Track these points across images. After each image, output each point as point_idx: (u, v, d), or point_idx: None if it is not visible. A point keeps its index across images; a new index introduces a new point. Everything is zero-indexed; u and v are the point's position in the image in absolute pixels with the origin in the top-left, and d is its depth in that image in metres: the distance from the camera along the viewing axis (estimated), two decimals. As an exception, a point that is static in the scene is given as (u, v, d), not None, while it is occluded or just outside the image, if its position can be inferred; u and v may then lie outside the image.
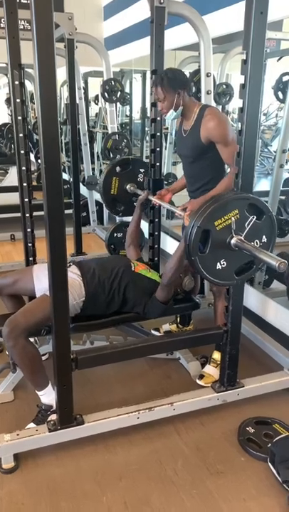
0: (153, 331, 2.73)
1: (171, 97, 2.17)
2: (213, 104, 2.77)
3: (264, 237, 1.74)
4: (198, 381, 2.36)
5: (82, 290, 2.13)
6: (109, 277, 2.19)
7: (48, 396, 2.00)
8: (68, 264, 2.15)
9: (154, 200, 2.58)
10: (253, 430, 2.01)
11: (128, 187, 2.77)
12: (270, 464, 1.82)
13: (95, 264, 2.26)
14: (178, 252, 2.12)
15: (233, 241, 1.65)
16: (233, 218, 1.64)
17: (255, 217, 1.68)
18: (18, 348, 1.89)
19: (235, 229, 1.65)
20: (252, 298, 2.71)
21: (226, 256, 1.70)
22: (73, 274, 2.15)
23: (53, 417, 1.93)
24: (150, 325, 2.56)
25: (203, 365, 2.46)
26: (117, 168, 2.75)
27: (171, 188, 2.63)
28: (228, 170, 2.29)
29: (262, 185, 6.03)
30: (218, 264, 1.69)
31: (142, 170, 2.79)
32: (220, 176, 2.27)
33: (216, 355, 2.38)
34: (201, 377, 2.37)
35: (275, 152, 4.87)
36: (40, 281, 2.18)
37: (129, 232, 2.68)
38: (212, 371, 2.36)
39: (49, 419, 1.94)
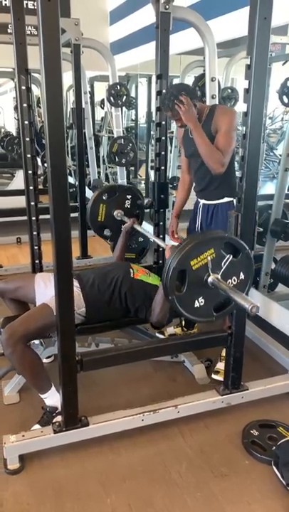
0: (158, 334, 2.74)
1: None
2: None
3: (241, 274, 1.72)
4: (214, 376, 2.43)
5: (81, 301, 2.13)
6: (109, 286, 2.20)
7: (52, 398, 2.02)
8: None
9: (139, 229, 2.69)
10: (257, 433, 2.01)
11: (115, 213, 2.80)
12: (274, 467, 1.82)
13: (93, 274, 2.26)
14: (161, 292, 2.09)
15: (210, 279, 1.64)
16: (209, 257, 1.63)
17: (231, 256, 1.67)
18: (17, 355, 1.91)
19: (211, 268, 1.64)
20: (256, 301, 2.69)
21: (204, 294, 1.68)
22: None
23: (58, 418, 1.94)
24: (155, 328, 2.57)
25: (207, 368, 2.47)
26: (104, 196, 2.78)
27: (175, 215, 2.71)
28: (237, 173, 2.31)
29: (267, 188, 6.03)
30: (196, 302, 1.68)
31: (128, 196, 2.82)
32: (229, 175, 2.29)
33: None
34: (217, 372, 2.42)
35: (280, 156, 4.87)
36: (41, 291, 2.20)
37: (114, 259, 2.70)
38: None
39: (54, 420, 1.95)
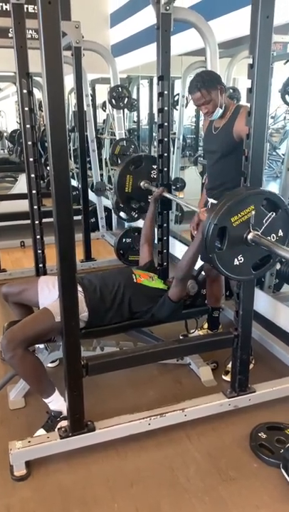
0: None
1: (215, 96, 2.23)
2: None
3: (280, 231, 1.72)
4: (223, 377, 2.40)
5: (83, 305, 2.12)
6: (111, 292, 2.20)
7: (56, 403, 2.00)
8: None
9: (170, 196, 2.65)
10: (265, 436, 1.99)
11: (142, 184, 2.80)
12: (282, 470, 1.80)
13: (96, 279, 2.26)
14: (194, 246, 2.12)
15: (250, 236, 1.65)
16: (253, 212, 1.63)
17: (274, 213, 1.67)
18: (17, 359, 1.90)
19: (253, 224, 1.64)
20: (262, 302, 2.69)
21: (243, 251, 1.69)
22: None
23: (63, 423, 1.93)
24: (160, 330, 2.54)
25: (214, 371, 2.45)
26: (131, 167, 2.78)
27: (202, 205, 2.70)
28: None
29: (270, 188, 6.01)
30: (236, 260, 1.69)
31: (154, 166, 2.80)
32: (240, 179, 2.29)
33: None
34: (227, 373, 2.39)
35: (283, 155, 4.84)
36: (44, 295, 2.20)
37: (144, 229, 2.69)
38: None
39: (59, 425, 1.94)
